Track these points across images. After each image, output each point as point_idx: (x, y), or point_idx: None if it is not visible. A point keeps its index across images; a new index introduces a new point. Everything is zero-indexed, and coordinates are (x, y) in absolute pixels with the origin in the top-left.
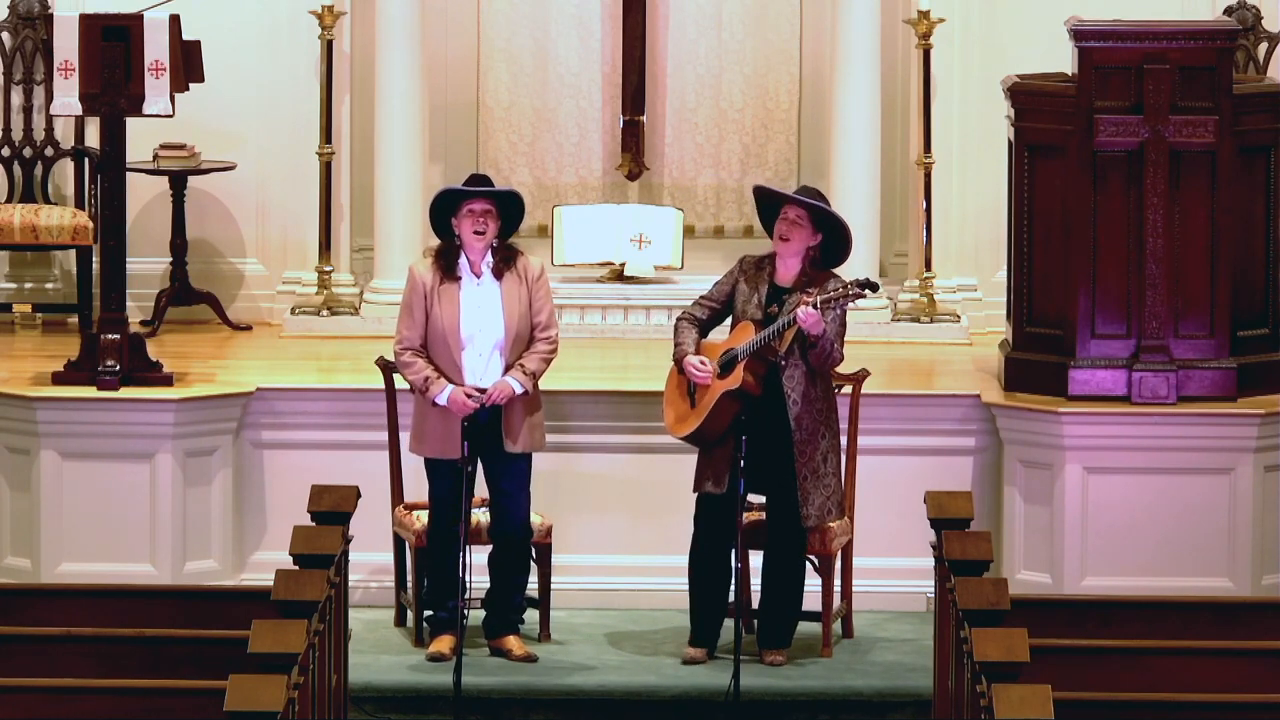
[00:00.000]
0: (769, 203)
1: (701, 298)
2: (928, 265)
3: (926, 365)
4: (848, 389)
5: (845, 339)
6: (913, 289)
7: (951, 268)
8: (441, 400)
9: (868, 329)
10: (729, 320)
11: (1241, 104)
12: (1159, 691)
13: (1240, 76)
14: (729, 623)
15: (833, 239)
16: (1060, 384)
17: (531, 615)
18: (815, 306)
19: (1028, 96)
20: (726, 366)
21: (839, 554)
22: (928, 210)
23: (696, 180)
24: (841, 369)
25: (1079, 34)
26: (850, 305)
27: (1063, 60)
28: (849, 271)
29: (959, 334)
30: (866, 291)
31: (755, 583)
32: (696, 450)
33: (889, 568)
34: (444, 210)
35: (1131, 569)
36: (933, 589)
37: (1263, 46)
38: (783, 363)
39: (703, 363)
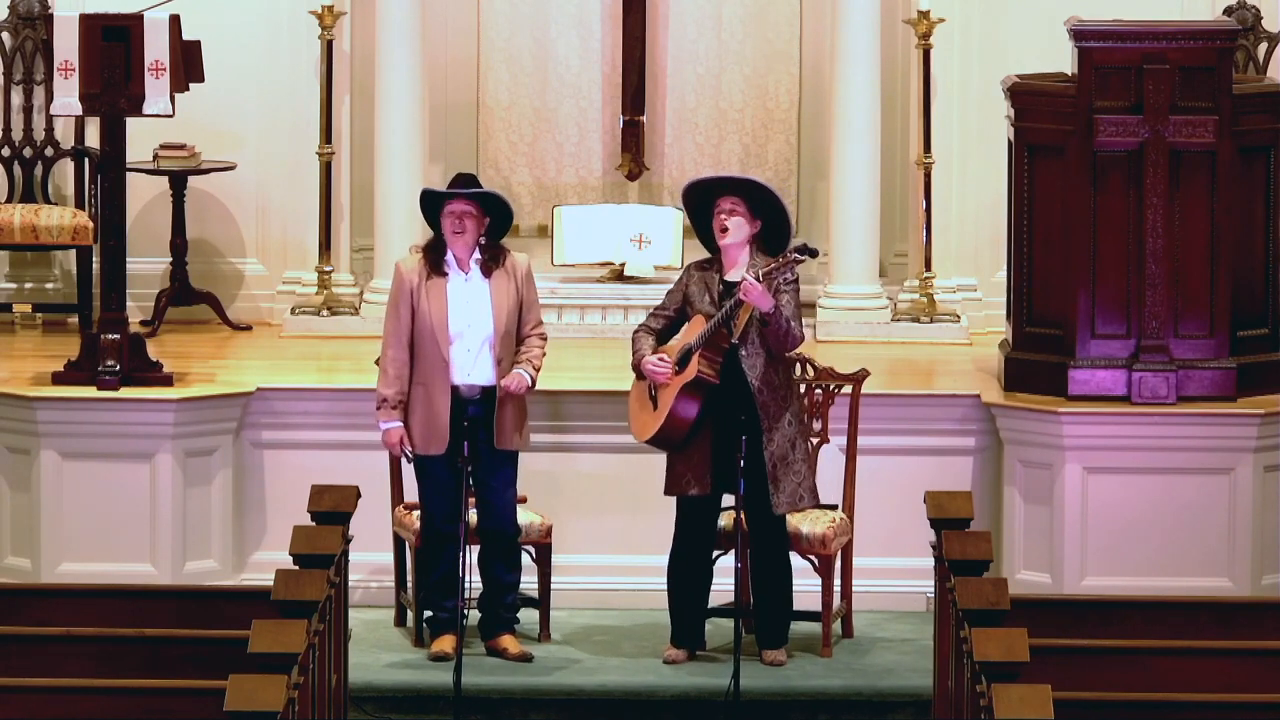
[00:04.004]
0: (700, 202)
1: (655, 309)
2: (928, 265)
3: (926, 365)
4: (848, 389)
5: (803, 318)
6: (913, 289)
7: (951, 268)
8: (382, 427)
9: (868, 329)
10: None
11: (1241, 104)
12: (1159, 691)
13: (1240, 76)
14: (727, 623)
15: (772, 224)
16: (1060, 384)
17: (531, 615)
18: (758, 279)
19: (1028, 96)
20: (683, 361)
21: (838, 554)
22: (928, 210)
23: None
24: (841, 369)
25: (1079, 34)
26: (792, 273)
27: (1063, 60)
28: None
29: (959, 334)
30: (805, 257)
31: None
32: (687, 452)
33: (889, 568)
34: (431, 208)
35: (1131, 569)
36: (933, 589)
37: (1263, 46)
38: (742, 350)
39: (661, 359)
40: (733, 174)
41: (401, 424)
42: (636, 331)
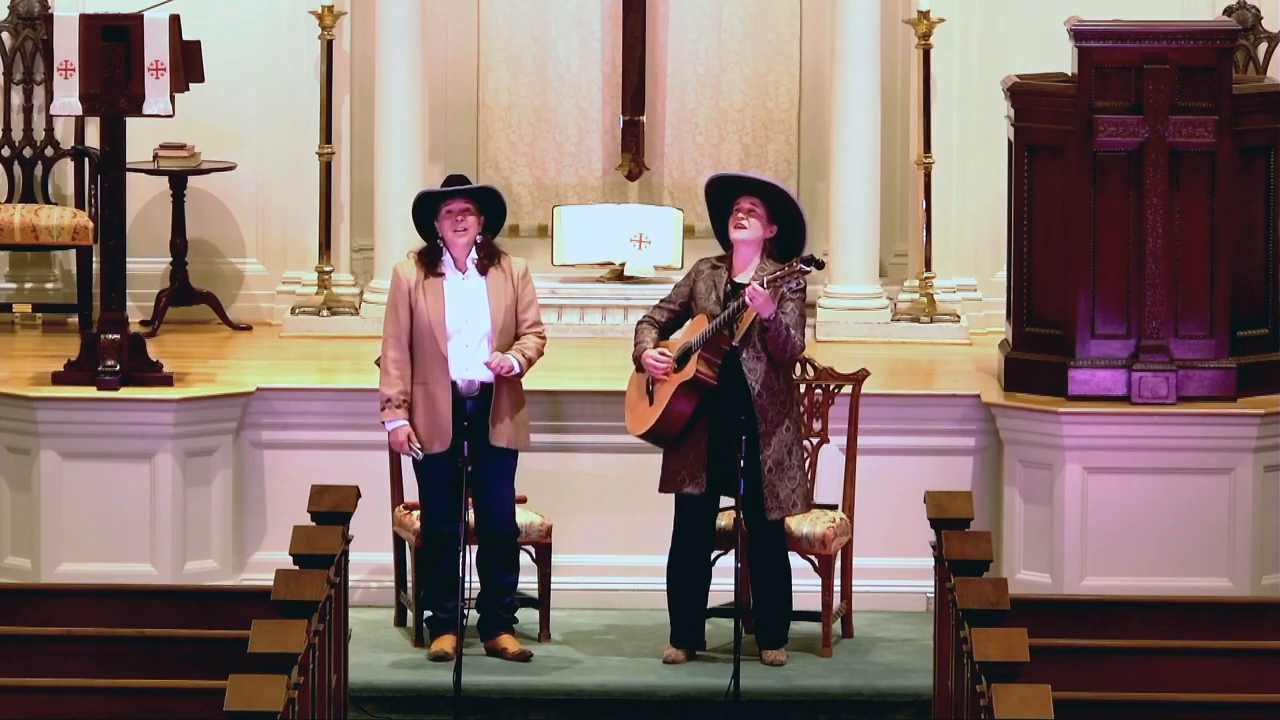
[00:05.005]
0: (721, 197)
1: (661, 301)
2: (928, 265)
3: (926, 365)
4: (848, 389)
5: (805, 327)
6: (913, 289)
7: (951, 268)
8: (388, 427)
9: (868, 329)
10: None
11: (1241, 104)
12: (1159, 691)
13: (1240, 76)
14: (727, 623)
15: (788, 231)
16: (1060, 384)
17: (531, 615)
18: (762, 285)
19: (1028, 96)
20: (682, 360)
21: (838, 554)
22: (928, 210)
23: (696, 180)
24: (841, 369)
25: (1079, 34)
26: (798, 283)
27: (1063, 60)
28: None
29: (959, 334)
30: (811, 268)
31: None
32: (683, 449)
33: (889, 568)
34: (426, 213)
35: (1131, 569)
36: (933, 589)
37: (1263, 46)
38: (744, 353)
39: (662, 354)
40: (758, 175)
41: (407, 422)
42: (640, 322)
